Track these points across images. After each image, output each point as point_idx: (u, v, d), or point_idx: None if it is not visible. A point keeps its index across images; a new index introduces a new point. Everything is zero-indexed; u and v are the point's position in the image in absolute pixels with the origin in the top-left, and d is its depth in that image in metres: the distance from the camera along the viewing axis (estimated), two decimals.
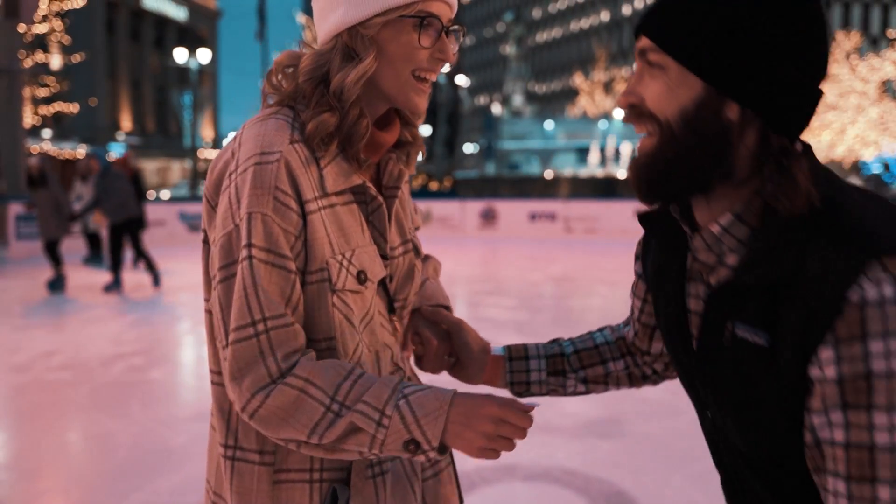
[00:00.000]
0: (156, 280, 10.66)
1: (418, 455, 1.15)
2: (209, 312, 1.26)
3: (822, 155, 47.03)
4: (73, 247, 14.31)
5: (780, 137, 1.03)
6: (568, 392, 1.52)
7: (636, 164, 1.11)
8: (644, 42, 1.07)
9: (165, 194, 40.06)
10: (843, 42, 47.39)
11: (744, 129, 1.03)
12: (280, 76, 1.29)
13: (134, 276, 12.26)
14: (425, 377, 1.77)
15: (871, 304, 0.92)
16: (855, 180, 43.00)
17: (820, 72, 1.03)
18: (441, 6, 1.25)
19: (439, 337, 1.46)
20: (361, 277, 1.25)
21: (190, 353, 7.45)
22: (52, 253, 10.18)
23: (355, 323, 1.25)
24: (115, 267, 10.28)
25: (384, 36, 1.22)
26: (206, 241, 1.29)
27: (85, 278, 11.76)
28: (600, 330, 1.56)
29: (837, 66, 45.28)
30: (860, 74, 44.68)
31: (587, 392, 1.54)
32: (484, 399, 1.16)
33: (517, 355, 1.50)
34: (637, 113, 1.08)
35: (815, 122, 39.50)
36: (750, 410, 1.09)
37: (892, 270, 0.93)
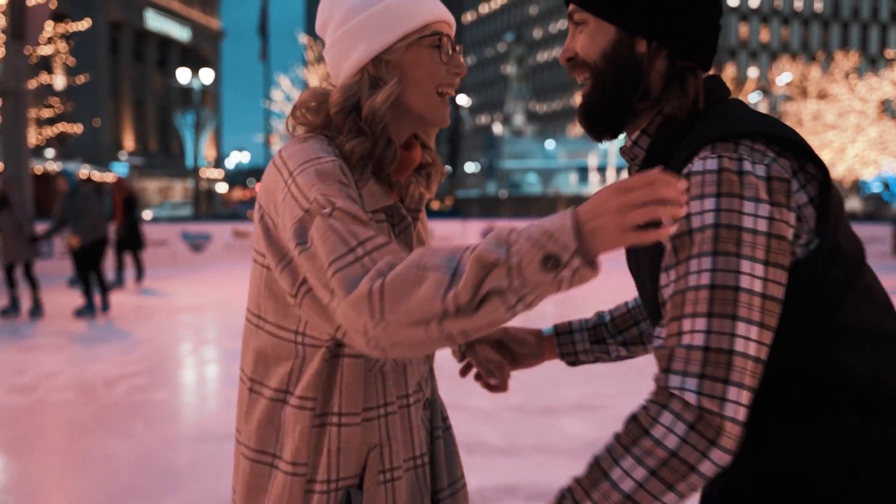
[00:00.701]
0: (83, 310, 9.86)
1: (562, 272, 1.04)
2: (249, 320, 1.35)
3: None
4: (58, 268, 14.35)
5: (684, 62, 1.27)
6: (612, 357, 1.68)
7: (580, 107, 1.35)
8: (570, 7, 1.32)
9: (148, 213, 40.12)
10: (842, 62, 47.57)
11: (653, 59, 1.27)
12: (304, 111, 1.36)
13: (136, 298, 12.32)
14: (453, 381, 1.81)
15: (693, 174, 1.15)
16: (856, 199, 43.14)
17: (711, 8, 1.28)
18: (446, 25, 1.36)
19: (502, 355, 1.60)
20: None
21: (193, 374, 7.48)
22: (9, 277, 9.79)
23: None
24: (88, 290, 9.91)
25: (407, 59, 1.32)
26: (256, 261, 1.34)
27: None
28: (635, 298, 1.68)
29: (836, 86, 45.46)
30: (859, 94, 44.84)
31: (630, 355, 1.69)
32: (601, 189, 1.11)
33: (563, 331, 1.69)
34: (573, 64, 1.33)
35: (816, 141, 39.60)
36: (646, 293, 1.30)
37: (720, 151, 1.15)
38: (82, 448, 4.91)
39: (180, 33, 68.04)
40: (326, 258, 1.12)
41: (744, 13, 73.19)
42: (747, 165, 1.13)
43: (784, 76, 48.88)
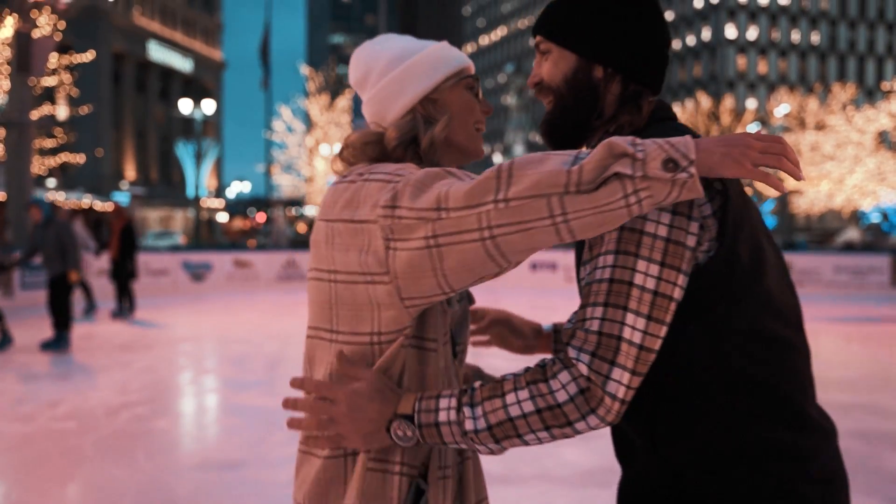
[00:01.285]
0: (52, 343, 9.51)
1: (679, 174, 1.14)
2: (319, 336, 1.41)
3: (821, 204, 47.30)
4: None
5: (635, 85, 1.45)
6: None
7: (543, 124, 1.52)
8: (537, 38, 1.49)
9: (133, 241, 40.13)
10: (840, 94, 47.92)
11: (609, 83, 1.45)
12: (357, 148, 1.46)
13: (132, 328, 12.35)
14: None
15: None
16: (854, 229, 43.23)
17: (659, 38, 1.46)
18: (472, 70, 1.56)
19: (495, 336, 1.81)
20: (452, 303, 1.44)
21: (193, 403, 7.50)
22: None
23: (441, 339, 1.39)
24: (60, 324, 9.46)
25: (449, 98, 1.50)
26: (321, 279, 1.39)
27: (88, 328, 11.84)
28: None
29: (834, 118, 45.75)
30: (856, 125, 45.11)
31: None
32: None
33: (560, 328, 1.82)
34: (539, 89, 1.51)
35: (814, 171, 39.66)
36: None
37: None
38: (85, 476, 4.93)
39: (182, 64, 68.64)
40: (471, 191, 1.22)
41: (742, 45, 73.86)
42: None
43: (782, 107, 49.18)
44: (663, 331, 1.24)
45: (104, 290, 14.50)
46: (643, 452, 1.33)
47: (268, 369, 8.73)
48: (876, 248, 28.11)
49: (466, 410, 1.26)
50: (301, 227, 38.46)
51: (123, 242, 12.88)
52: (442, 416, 1.27)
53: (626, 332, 1.22)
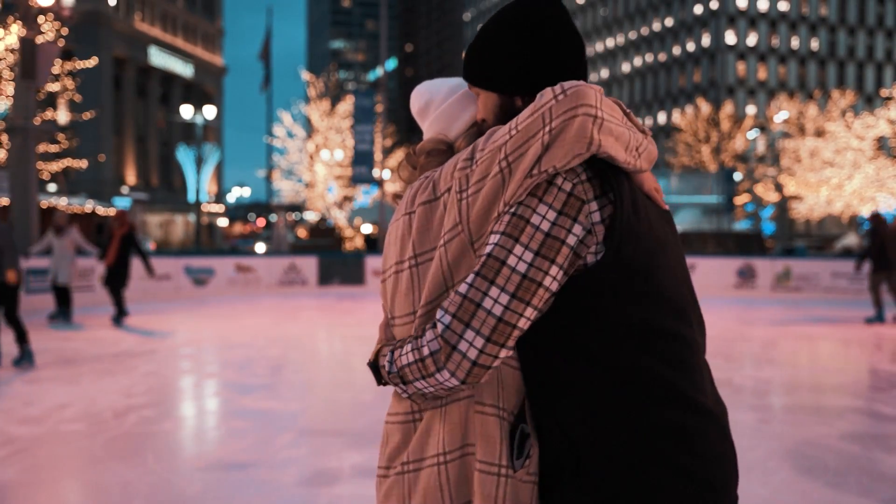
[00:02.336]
0: (17, 359, 9.00)
1: None
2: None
3: (820, 210, 47.41)
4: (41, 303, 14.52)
5: None
6: None
7: None
8: (468, 84, 1.73)
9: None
10: (839, 100, 48.06)
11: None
12: (425, 157, 1.74)
13: (135, 333, 12.45)
14: None
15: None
16: (853, 235, 43.32)
17: (566, 55, 1.62)
18: None
19: None
20: None
21: (199, 406, 7.60)
22: None
23: None
24: (19, 337, 8.93)
25: None
26: (402, 269, 1.60)
27: (94, 331, 11.95)
28: None
29: (833, 124, 45.87)
30: (856, 132, 45.22)
31: None
32: None
33: None
34: (482, 126, 1.72)
35: (814, 177, 39.61)
36: None
37: None
38: (96, 477, 5.03)
39: (183, 69, 68.75)
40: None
41: (741, 51, 74.05)
42: (559, 180, 1.43)
43: (782, 114, 49.32)
44: (528, 311, 1.40)
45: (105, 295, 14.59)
46: (554, 439, 1.49)
47: (271, 373, 8.84)
48: None
49: (388, 353, 1.54)
50: (301, 233, 38.48)
51: (123, 249, 12.85)
52: (382, 361, 1.56)
53: (487, 303, 1.39)
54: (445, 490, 1.49)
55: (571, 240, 1.41)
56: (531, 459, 1.49)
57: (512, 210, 1.43)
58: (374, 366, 1.57)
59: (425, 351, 1.43)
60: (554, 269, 1.40)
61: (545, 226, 1.40)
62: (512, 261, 1.39)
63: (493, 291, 1.39)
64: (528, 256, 1.39)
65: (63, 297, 13.15)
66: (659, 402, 1.45)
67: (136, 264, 14.64)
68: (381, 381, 1.57)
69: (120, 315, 12.99)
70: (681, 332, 1.52)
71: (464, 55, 1.73)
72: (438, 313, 1.43)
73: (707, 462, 1.46)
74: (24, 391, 7.68)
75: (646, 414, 1.44)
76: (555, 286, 1.41)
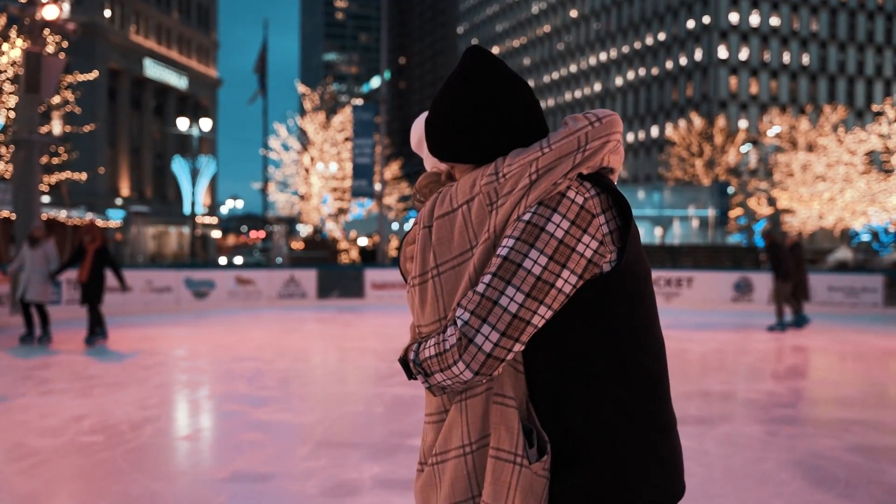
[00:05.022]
0: None
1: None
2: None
3: (813, 224, 47.71)
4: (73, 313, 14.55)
5: None
6: None
7: None
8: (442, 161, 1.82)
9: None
10: (830, 115, 48.43)
11: None
12: (425, 191, 1.88)
13: (140, 345, 12.49)
14: None
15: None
16: (846, 249, 43.62)
17: (526, 128, 1.69)
18: None
19: None
20: None
21: (214, 418, 7.68)
22: None
23: None
24: None
25: None
26: (426, 280, 1.71)
27: (100, 345, 11.99)
28: None
29: (825, 138, 46.23)
30: (847, 146, 45.58)
31: None
32: None
33: None
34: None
35: (806, 191, 39.85)
36: None
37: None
38: (123, 488, 5.11)
39: (178, 81, 68.82)
40: None
41: (734, 66, 74.59)
42: (571, 193, 1.58)
43: (774, 128, 49.65)
44: (542, 309, 1.53)
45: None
46: (553, 433, 1.63)
47: (281, 386, 8.92)
48: (869, 268, 28.41)
49: (415, 346, 1.67)
50: (295, 245, 38.52)
51: (97, 264, 11.86)
52: (409, 355, 1.68)
53: (503, 301, 1.52)
54: (473, 477, 1.62)
55: (581, 248, 1.55)
56: (548, 456, 1.60)
57: (526, 218, 1.55)
58: (405, 362, 1.69)
59: (446, 344, 1.56)
60: (566, 273, 1.54)
61: (559, 234, 1.53)
62: (528, 264, 1.52)
63: (510, 291, 1.51)
64: (543, 260, 1.52)
65: (36, 315, 12.05)
66: (651, 397, 1.63)
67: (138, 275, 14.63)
68: (410, 375, 1.69)
69: (94, 335, 12.04)
70: (660, 330, 1.71)
71: (425, 132, 1.82)
72: (458, 311, 1.56)
73: (673, 451, 1.65)
74: (39, 403, 7.75)
75: (643, 408, 1.60)
76: (567, 288, 1.55)
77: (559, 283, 1.54)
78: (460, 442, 1.63)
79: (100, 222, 33.64)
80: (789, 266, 14.46)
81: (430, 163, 1.93)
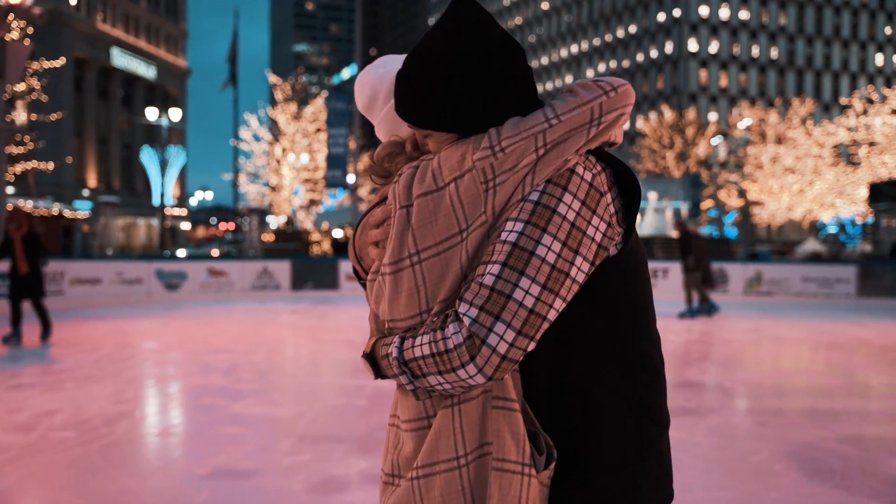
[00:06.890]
0: None
1: None
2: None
3: (782, 215, 48.21)
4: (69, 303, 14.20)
5: None
6: None
7: None
8: (409, 125, 1.54)
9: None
10: (799, 108, 48.91)
11: None
12: (383, 163, 1.64)
13: (112, 336, 12.23)
14: None
15: None
16: (814, 241, 44.11)
17: (522, 96, 1.46)
18: None
19: None
20: None
21: (191, 412, 7.46)
22: None
23: None
24: None
25: None
26: (402, 268, 1.46)
27: (72, 336, 11.68)
28: None
29: (794, 131, 46.68)
30: (816, 139, 46.07)
31: None
32: None
33: None
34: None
35: (775, 183, 40.41)
36: None
37: None
38: (98, 485, 4.89)
39: (146, 71, 67.86)
40: None
41: (703, 59, 75.07)
42: (580, 169, 1.41)
43: (745, 121, 50.04)
44: (558, 302, 1.36)
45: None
46: (553, 431, 1.48)
47: (259, 378, 8.71)
48: (841, 259, 28.69)
49: (396, 342, 1.42)
50: (266, 236, 38.06)
51: (30, 253, 10.78)
52: (382, 350, 1.46)
53: (518, 294, 1.32)
54: (467, 494, 1.40)
55: (591, 231, 1.39)
56: (555, 462, 1.44)
57: (534, 198, 1.37)
58: (371, 358, 1.49)
59: (450, 344, 1.33)
60: (579, 260, 1.37)
61: (571, 215, 1.37)
62: (541, 251, 1.34)
63: (524, 282, 1.32)
64: (557, 246, 1.34)
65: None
66: (654, 388, 1.51)
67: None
68: (378, 374, 1.48)
69: (46, 332, 11.07)
70: (654, 315, 1.59)
71: (395, 92, 1.53)
72: (462, 307, 1.34)
73: (668, 451, 1.55)
74: (6, 398, 7.47)
75: (646, 402, 1.49)
76: (581, 277, 1.39)
77: (573, 272, 1.37)
78: (452, 453, 1.41)
79: (68, 213, 33.01)
80: (699, 255, 14.91)
81: (385, 128, 1.66)
